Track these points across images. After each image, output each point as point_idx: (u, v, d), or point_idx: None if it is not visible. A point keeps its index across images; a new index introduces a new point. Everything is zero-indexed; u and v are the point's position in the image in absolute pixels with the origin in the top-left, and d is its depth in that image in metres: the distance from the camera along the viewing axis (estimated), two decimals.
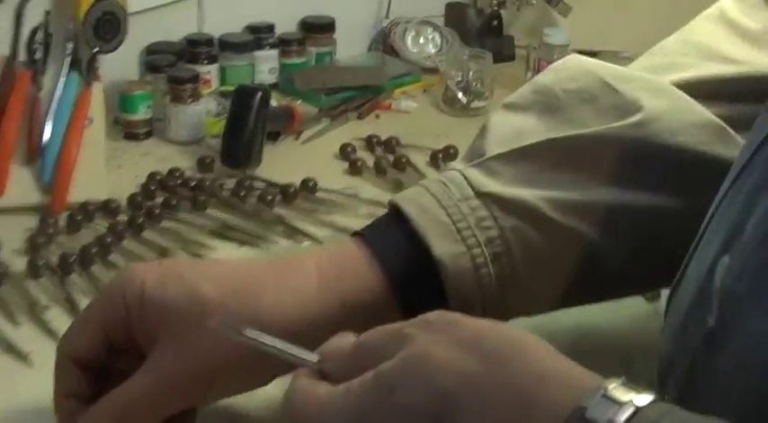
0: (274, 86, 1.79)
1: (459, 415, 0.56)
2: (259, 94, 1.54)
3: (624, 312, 1.23)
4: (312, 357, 0.67)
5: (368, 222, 1.40)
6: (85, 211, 1.37)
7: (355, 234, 0.92)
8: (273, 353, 0.68)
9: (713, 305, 0.69)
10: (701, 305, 0.70)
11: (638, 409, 0.55)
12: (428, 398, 0.57)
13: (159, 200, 1.42)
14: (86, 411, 0.84)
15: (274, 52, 1.84)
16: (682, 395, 0.72)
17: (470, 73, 1.79)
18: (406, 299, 0.87)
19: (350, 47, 1.96)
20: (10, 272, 1.23)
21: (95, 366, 0.86)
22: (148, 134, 1.65)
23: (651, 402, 0.56)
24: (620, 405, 0.55)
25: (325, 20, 1.90)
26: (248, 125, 1.52)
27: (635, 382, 1.07)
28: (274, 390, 0.92)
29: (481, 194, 0.91)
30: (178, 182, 1.47)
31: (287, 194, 1.44)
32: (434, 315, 0.63)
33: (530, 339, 0.60)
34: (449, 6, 2.04)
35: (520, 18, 2.04)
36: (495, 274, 0.90)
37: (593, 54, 2.05)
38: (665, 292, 1.24)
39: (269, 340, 0.69)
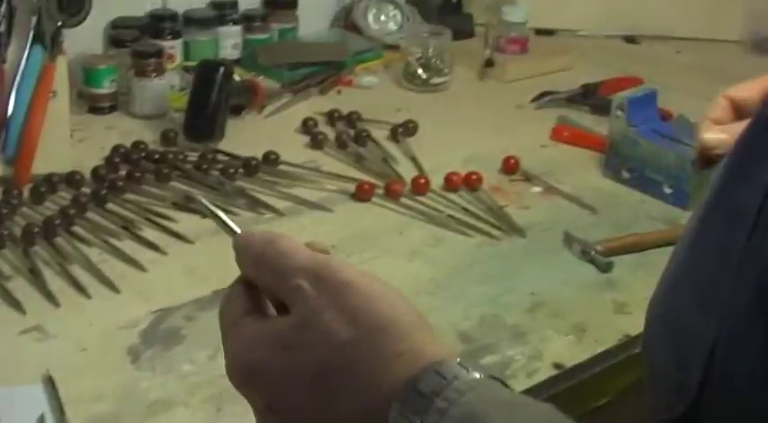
0: (238, 62, 1.82)
1: (331, 379, 0.65)
2: (222, 68, 1.56)
3: (578, 282, 1.27)
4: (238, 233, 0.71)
5: (329, 196, 1.44)
6: (49, 183, 1.38)
7: None
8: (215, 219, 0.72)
9: None
10: None
11: (456, 383, 0.61)
12: (310, 359, 0.65)
13: (123, 172, 1.44)
14: None
15: (238, 28, 1.86)
16: None
17: (430, 50, 1.82)
18: None
19: (312, 23, 1.98)
20: None
21: None
22: (113, 108, 1.66)
23: (472, 379, 0.62)
24: (445, 379, 0.61)
25: None
26: (211, 99, 1.54)
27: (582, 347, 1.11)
28: None
29: None
30: (142, 155, 1.49)
31: (249, 167, 1.46)
32: (326, 271, 0.67)
33: (401, 318, 0.66)
34: None
35: None
36: None
37: (550, 32, 2.09)
38: (617, 263, 1.28)
39: (214, 209, 0.73)
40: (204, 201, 0.74)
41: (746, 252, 0.68)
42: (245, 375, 0.68)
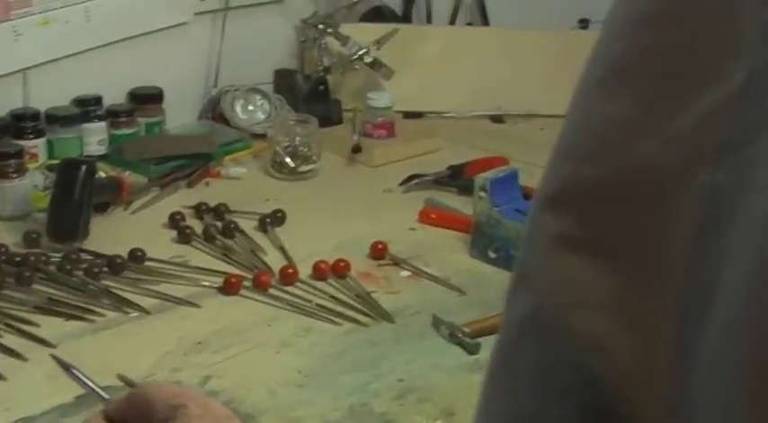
0: (104, 158, 1.80)
1: None
2: (84, 166, 1.54)
3: (447, 365, 1.27)
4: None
5: (196, 291, 1.42)
6: None
7: None
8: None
9: None
10: None
11: None
12: None
13: None
14: None
15: (103, 124, 1.84)
16: None
17: (297, 138, 1.83)
18: None
19: (180, 116, 1.97)
20: None
21: None
22: None
23: None
24: None
25: (154, 90, 1.92)
26: (74, 198, 1.51)
27: None
28: None
29: None
30: (2, 258, 1.46)
31: (114, 266, 1.44)
32: (213, 403, 0.69)
33: None
34: (277, 73, 2.08)
35: (345, 83, 2.09)
36: None
37: (417, 115, 2.12)
38: (486, 344, 1.29)
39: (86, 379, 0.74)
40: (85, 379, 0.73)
41: None
42: None
